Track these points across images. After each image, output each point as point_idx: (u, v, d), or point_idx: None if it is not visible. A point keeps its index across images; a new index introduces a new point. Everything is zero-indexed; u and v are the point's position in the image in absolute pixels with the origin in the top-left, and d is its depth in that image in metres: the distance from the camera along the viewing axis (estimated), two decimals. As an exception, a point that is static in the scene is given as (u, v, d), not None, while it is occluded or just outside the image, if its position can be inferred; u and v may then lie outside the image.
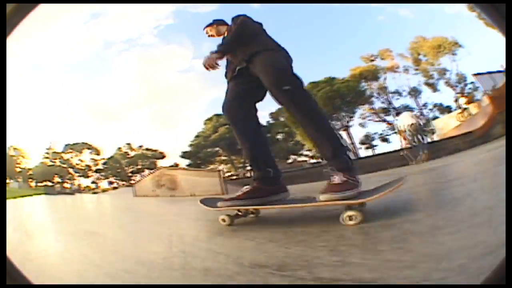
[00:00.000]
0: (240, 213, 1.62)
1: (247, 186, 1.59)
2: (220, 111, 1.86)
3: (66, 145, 24.58)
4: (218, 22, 2.09)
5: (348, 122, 14.34)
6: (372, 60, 14.41)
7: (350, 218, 1.14)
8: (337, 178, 1.30)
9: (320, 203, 1.25)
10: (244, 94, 1.72)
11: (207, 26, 2.12)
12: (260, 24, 1.85)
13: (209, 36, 2.10)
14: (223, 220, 1.56)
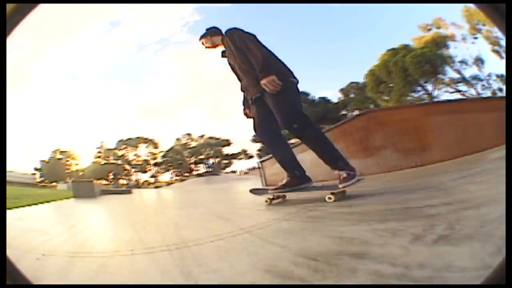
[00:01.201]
0: (274, 197, 2.23)
1: (284, 180, 2.18)
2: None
3: (119, 141, 24.09)
4: (211, 33, 2.23)
5: (433, 89, 13.68)
6: (429, 29, 14.08)
7: (329, 198, 1.83)
8: (344, 174, 1.89)
9: (339, 189, 1.88)
10: (268, 115, 2.06)
11: (202, 37, 2.27)
12: (254, 36, 2.09)
13: (206, 48, 2.27)
14: (266, 201, 2.21)
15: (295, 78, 2.07)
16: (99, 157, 24.57)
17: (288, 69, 2.09)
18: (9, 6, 0.55)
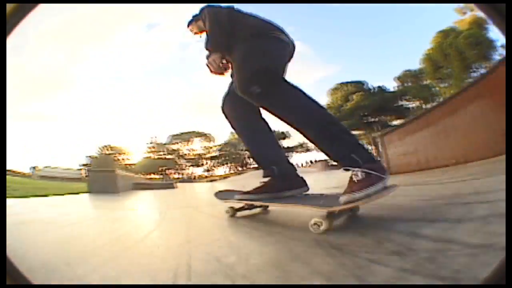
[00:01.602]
0: (245, 206, 1.62)
1: (262, 181, 1.52)
2: (345, 80, 1.65)
3: (172, 135, 24.07)
4: (196, 17, 1.77)
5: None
6: (464, 13, 13.91)
7: (316, 224, 1.02)
8: (359, 175, 1.08)
9: (339, 207, 1.02)
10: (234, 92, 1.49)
11: (188, 25, 1.84)
12: (232, 8, 1.57)
13: (194, 34, 1.83)
14: (227, 212, 1.62)
15: (276, 32, 1.45)
16: (151, 152, 24.57)
17: (271, 24, 1.49)
18: (9, 6, 0.55)
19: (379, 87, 18.39)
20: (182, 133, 23.80)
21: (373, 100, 16.83)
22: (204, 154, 24.32)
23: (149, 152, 23.35)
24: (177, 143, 24.01)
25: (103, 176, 6.41)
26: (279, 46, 1.45)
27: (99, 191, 5.74)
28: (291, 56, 1.54)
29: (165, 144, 24.17)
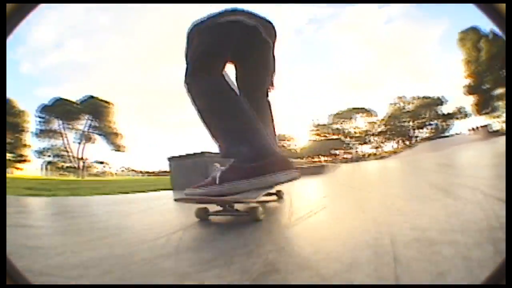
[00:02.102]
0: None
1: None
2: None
3: (332, 115, 23.08)
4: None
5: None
6: None
7: None
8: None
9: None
10: None
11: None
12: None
13: None
14: (195, 215, 1.17)
15: (217, 18, 1.29)
16: (316, 134, 23.57)
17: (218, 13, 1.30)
18: (9, 6, 0.55)
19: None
20: (342, 111, 22.52)
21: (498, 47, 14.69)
22: (370, 131, 22.65)
23: (314, 135, 22.15)
24: (340, 122, 22.69)
25: (190, 165, 4.74)
26: (213, 32, 1.26)
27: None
28: (251, 31, 1.34)
29: (326, 124, 22.88)
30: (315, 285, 0.63)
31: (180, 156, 4.47)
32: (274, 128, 1.56)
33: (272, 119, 1.59)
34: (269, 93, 1.64)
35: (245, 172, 1.08)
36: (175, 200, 1.38)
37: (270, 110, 1.61)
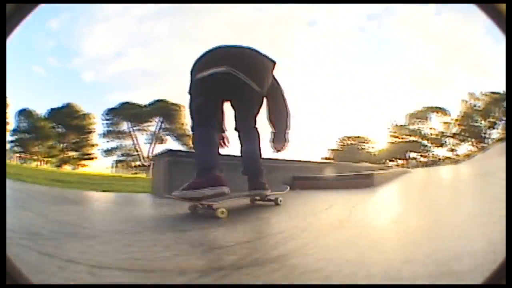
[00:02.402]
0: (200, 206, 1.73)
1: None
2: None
3: (408, 115, 21.84)
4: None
5: None
6: None
7: None
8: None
9: None
10: None
11: None
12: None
13: None
14: (189, 210, 1.68)
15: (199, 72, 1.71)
16: (393, 136, 22.31)
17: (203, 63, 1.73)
18: (9, 6, 0.55)
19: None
20: (417, 111, 21.24)
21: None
22: (445, 131, 21.09)
23: (391, 137, 21.13)
24: (416, 122, 21.35)
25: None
26: (198, 90, 1.74)
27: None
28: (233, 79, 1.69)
29: (403, 125, 21.62)
30: (315, 285, 0.63)
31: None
32: (260, 150, 1.94)
33: (259, 143, 1.96)
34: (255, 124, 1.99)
35: (191, 183, 1.53)
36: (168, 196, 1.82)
37: (258, 135, 1.97)
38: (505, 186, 0.55)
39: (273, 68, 1.89)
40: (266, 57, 1.86)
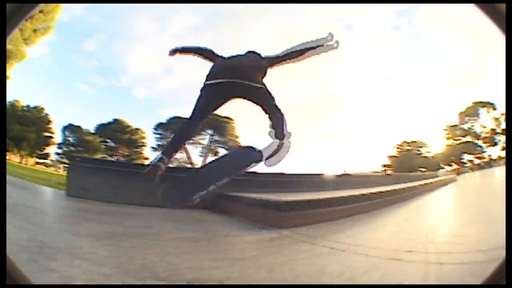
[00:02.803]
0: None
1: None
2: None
3: (460, 113, 20.58)
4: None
5: None
6: None
7: None
8: None
9: None
10: None
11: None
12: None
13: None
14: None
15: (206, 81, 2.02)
16: (448, 138, 21.12)
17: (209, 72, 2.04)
18: (9, 6, 0.55)
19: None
20: (467, 108, 20.00)
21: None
22: (496, 128, 19.76)
23: (447, 139, 19.78)
24: (467, 121, 20.17)
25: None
26: (202, 97, 1.96)
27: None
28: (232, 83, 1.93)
29: (456, 126, 20.37)
30: (315, 285, 0.63)
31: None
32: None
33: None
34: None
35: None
36: None
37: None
38: (505, 185, 0.55)
39: (266, 66, 2.13)
40: (261, 56, 2.14)
